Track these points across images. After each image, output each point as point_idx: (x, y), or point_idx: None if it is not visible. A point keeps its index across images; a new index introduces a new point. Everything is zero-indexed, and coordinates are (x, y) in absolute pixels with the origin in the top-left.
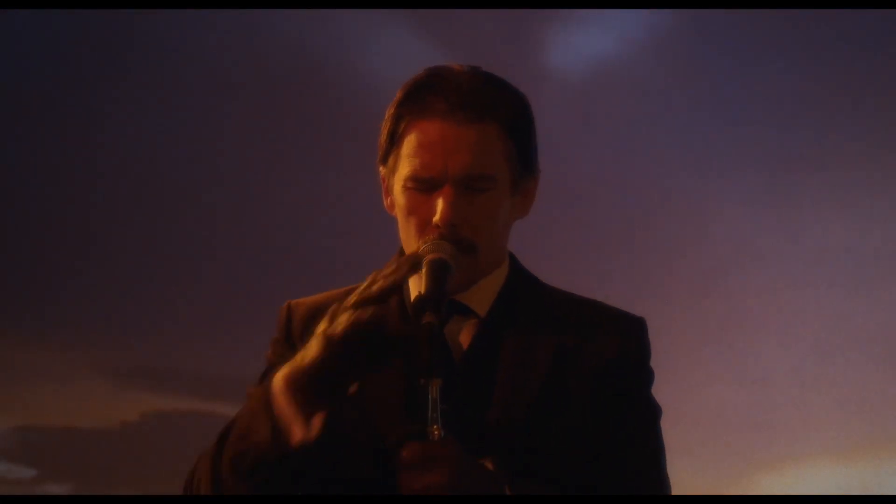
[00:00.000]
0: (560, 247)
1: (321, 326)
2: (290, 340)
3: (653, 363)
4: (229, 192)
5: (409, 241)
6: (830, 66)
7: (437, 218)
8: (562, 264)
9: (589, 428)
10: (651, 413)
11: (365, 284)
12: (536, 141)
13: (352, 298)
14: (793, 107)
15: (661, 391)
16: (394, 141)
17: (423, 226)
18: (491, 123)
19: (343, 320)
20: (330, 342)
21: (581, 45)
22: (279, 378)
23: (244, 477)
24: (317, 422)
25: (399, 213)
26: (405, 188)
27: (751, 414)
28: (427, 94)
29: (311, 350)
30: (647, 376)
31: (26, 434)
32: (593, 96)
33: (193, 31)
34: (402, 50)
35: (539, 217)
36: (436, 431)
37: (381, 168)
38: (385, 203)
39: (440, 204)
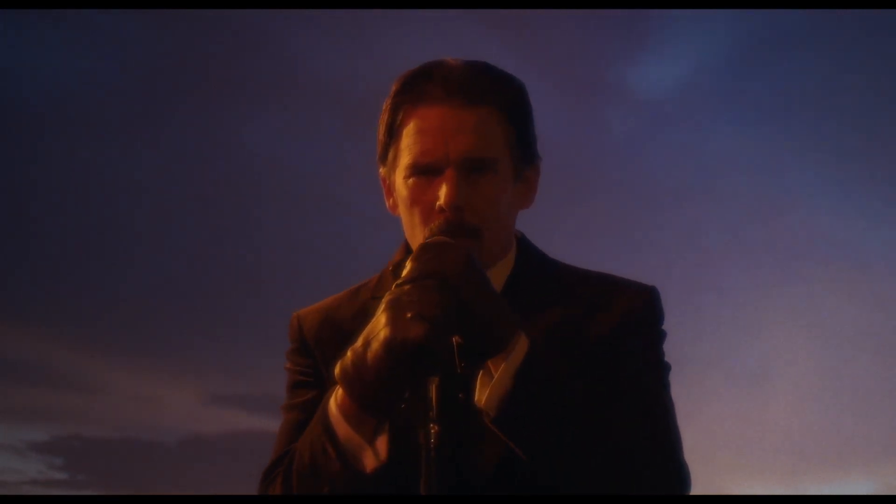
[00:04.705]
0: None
1: (367, 338)
2: (307, 349)
3: None
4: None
5: (415, 232)
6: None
7: (441, 201)
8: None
9: (603, 388)
10: (660, 368)
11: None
12: (535, 129)
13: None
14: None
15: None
16: (392, 133)
17: (428, 213)
18: (490, 107)
19: (410, 328)
20: (393, 351)
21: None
22: (334, 404)
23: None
24: (382, 444)
25: (402, 207)
26: (406, 179)
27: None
28: (424, 82)
29: (370, 368)
30: (657, 334)
31: (90, 443)
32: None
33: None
34: (478, 54)
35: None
36: (432, 429)
37: (380, 168)
38: (388, 204)
39: (444, 188)
